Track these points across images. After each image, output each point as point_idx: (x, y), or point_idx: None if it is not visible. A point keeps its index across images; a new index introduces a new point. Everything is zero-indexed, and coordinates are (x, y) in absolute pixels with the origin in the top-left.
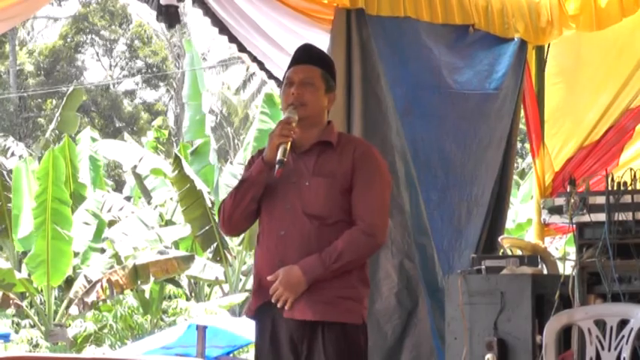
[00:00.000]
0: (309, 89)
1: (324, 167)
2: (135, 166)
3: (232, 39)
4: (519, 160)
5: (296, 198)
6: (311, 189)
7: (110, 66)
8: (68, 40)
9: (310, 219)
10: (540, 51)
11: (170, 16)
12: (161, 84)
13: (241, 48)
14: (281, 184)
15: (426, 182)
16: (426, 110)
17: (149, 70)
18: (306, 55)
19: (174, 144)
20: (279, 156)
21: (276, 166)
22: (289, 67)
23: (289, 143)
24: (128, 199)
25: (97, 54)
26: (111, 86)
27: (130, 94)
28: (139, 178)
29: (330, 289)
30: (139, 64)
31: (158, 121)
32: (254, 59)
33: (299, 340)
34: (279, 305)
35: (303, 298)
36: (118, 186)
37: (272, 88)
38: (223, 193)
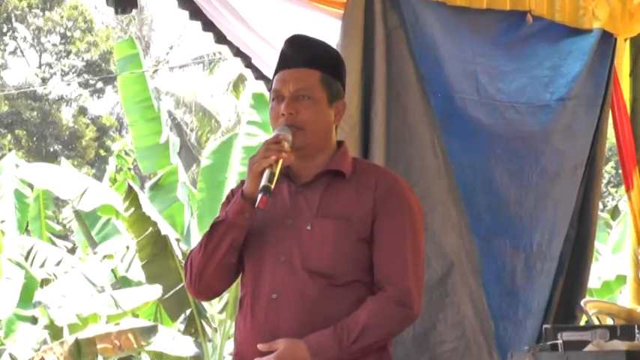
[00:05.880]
0: (306, 104)
1: (334, 205)
2: (76, 201)
3: (208, 26)
4: (613, 193)
5: (294, 247)
6: (314, 235)
7: (39, 65)
8: None
9: (313, 277)
10: (637, 45)
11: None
12: (108, 88)
13: (220, 38)
14: (272, 227)
15: None
16: (467, 127)
17: (90, 70)
18: (296, 52)
19: (135, 174)
20: (263, 182)
21: (259, 195)
22: (276, 72)
23: (280, 165)
24: (72, 249)
25: (20, 48)
26: (40, 91)
27: (67, 102)
28: (81, 219)
29: None
30: (76, 61)
31: (122, 144)
32: (237, 53)
33: None
34: None
35: None
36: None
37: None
38: (197, 242)
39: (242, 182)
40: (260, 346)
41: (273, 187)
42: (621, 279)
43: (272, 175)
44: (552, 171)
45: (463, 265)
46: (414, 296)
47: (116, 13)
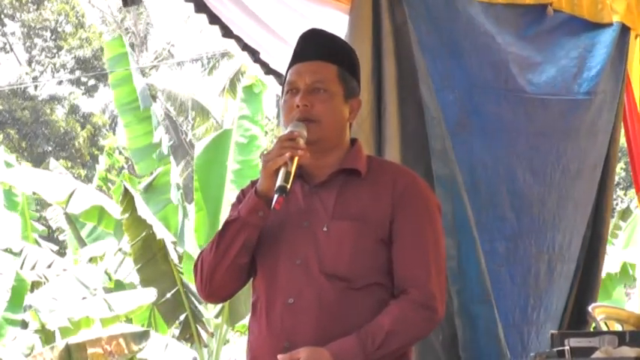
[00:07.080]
0: (322, 98)
1: (350, 206)
2: (65, 203)
3: (214, 19)
4: (620, 194)
5: (310, 250)
6: (331, 237)
7: (29, 61)
8: None
9: (331, 281)
10: None
11: None
12: (100, 85)
13: (227, 32)
14: (286, 229)
15: (489, 227)
16: (488, 123)
17: (82, 67)
18: (313, 46)
19: (131, 174)
20: (279, 182)
21: (275, 195)
22: (290, 66)
23: (295, 163)
24: (61, 252)
25: (9, 44)
26: (31, 90)
27: (58, 101)
28: (72, 220)
29: None
30: (67, 58)
31: (112, 142)
32: (245, 47)
33: None
34: None
35: None
36: (50, 232)
37: (256, 76)
38: (191, 244)
39: (252, 182)
40: (280, 357)
41: (289, 187)
42: (613, 277)
43: (288, 174)
44: (574, 169)
45: None
46: (438, 299)
47: (125, 5)
